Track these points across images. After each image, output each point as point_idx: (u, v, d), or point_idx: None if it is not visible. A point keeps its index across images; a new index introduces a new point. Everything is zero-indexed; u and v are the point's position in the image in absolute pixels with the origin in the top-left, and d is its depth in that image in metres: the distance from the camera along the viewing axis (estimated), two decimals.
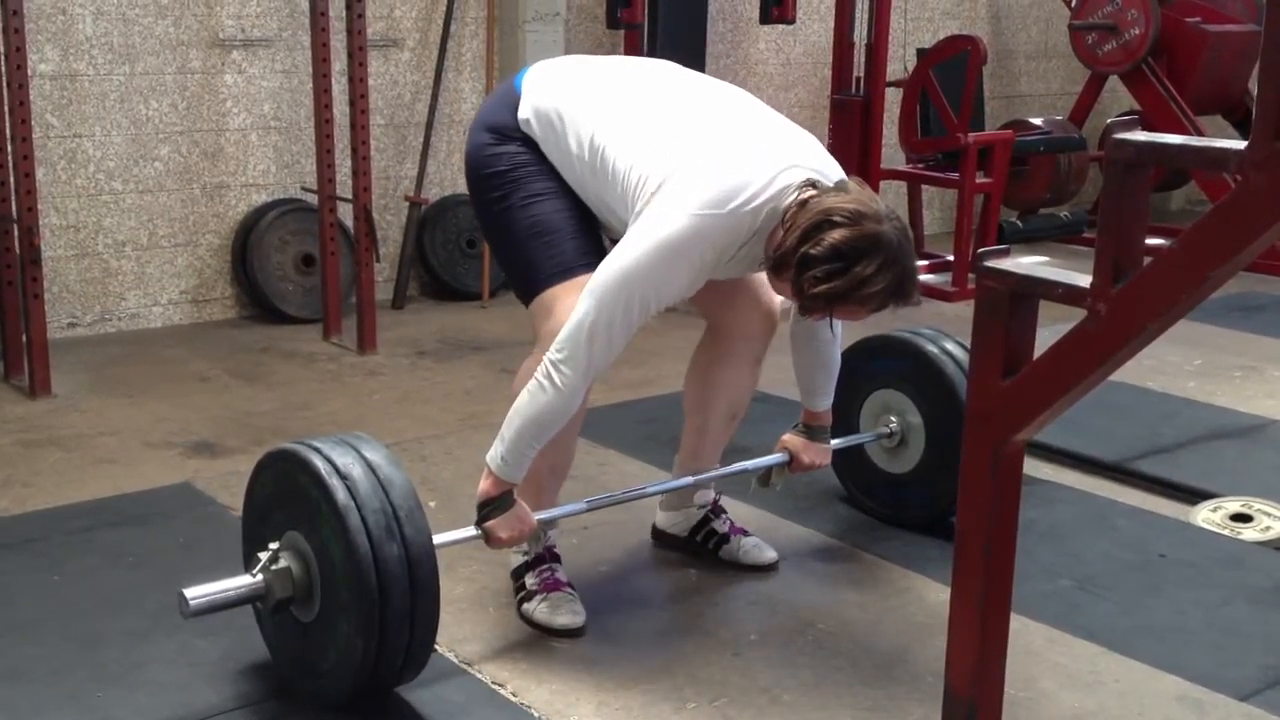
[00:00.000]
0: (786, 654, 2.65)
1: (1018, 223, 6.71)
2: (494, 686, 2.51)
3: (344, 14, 4.70)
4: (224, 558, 2.64)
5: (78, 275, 4.99)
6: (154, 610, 2.73)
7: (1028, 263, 1.91)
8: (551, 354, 2.46)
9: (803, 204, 2.40)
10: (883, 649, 2.67)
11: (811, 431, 2.99)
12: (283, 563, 2.34)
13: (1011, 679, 2.16)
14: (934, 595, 2.86)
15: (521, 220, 2.64)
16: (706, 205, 2.41)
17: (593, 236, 2.66)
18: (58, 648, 2.61)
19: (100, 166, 4.97)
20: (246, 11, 5.17)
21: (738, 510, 3.17)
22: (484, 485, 2.55)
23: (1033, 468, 3.64)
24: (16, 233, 4.17)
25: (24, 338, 4.27)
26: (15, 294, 4.26)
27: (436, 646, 2.60)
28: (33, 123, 4.21)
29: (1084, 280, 1.78)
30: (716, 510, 3.09)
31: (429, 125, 5.60)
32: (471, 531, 2.56)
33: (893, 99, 6.40)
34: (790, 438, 3.01)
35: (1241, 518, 3.33)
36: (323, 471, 2.28)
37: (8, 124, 4.12)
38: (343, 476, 2.27)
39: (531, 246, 2.62)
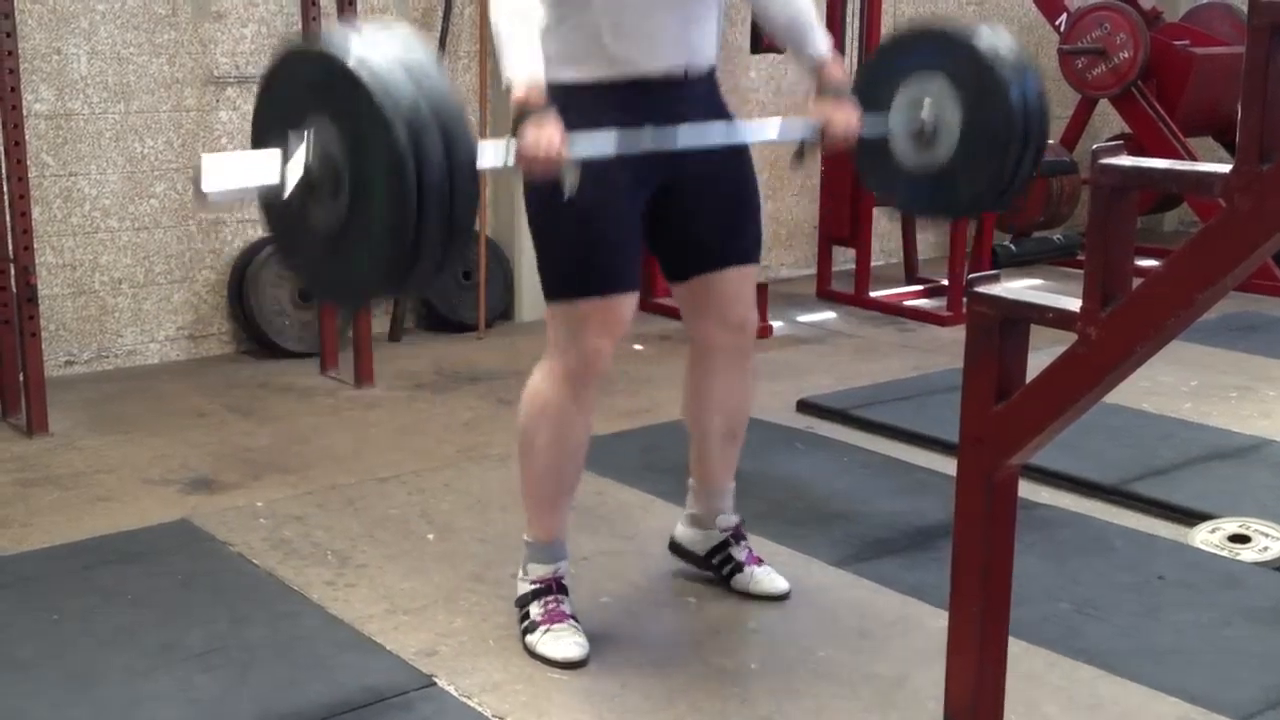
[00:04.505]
0: (788, 683, 2.64)
1: (1011, 246, 6.74)
2: None
3: None
4: (224, 594, 2.64)
5: (74, 313, 5.00)
6: (153, 648, 2.72)
7: (1018, 287, 1.93)
8: None
9: None
10: (883, 676, 2.67)
11: (835, 89, 2.81)
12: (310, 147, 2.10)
13: (1012, 703, 2.16)
14: (933, 621, 2.85)
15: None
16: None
17: None
18: (57, 687, 2.60)
19: (96, 204, 4.99)
20: (240, 49, 5.20)
21: None
22: (516, 96, 2.38)
23: (1030, 491, 3.65)
24: (13, 272, 4.18)
25: (21, 376, 4.27)
26: (12, 333, 4.27)
27: (436, 680, 2.60)
28: (28, 162, 4.22)
29: (1074, 304, 1.79)
30: (737, 536, 3.07)
31: None
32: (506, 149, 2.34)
33: None
34: (820, 103, 2.82)
35: (1239, 538, 3.34)
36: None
37: (3, 164, 4.13)
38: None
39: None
